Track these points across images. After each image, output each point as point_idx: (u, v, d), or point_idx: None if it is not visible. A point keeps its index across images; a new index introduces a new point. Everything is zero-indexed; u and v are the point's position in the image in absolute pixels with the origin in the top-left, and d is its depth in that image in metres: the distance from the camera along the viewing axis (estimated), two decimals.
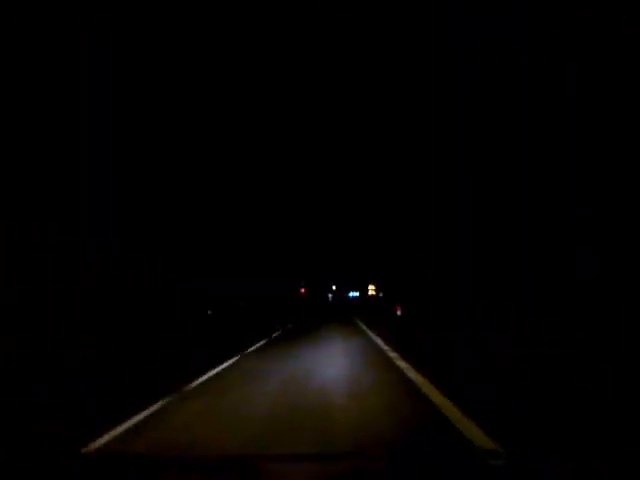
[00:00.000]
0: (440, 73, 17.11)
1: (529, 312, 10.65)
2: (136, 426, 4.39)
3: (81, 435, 4.02)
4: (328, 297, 72.02)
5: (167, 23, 17.57)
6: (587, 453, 3.22)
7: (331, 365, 8.02)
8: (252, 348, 11.30)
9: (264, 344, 12.48)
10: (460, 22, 14.79)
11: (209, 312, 22.54)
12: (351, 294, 71.39)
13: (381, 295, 49.94)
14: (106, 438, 3.99)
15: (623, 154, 9.15)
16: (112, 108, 14.95)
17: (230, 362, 8.75)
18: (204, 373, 7.35)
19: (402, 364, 7.88)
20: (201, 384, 6.59)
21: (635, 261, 8.52)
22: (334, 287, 73.91)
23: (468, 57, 14.52)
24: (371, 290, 47.31)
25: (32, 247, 11.39)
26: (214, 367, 7.96)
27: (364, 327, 18.32)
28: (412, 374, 6.73)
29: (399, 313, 23.29)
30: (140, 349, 12.17)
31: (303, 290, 58.63)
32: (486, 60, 13.17)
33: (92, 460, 2.60)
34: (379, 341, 12.35)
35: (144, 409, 4.95)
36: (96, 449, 3.63)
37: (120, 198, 15.86)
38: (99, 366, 9.17)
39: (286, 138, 32.62)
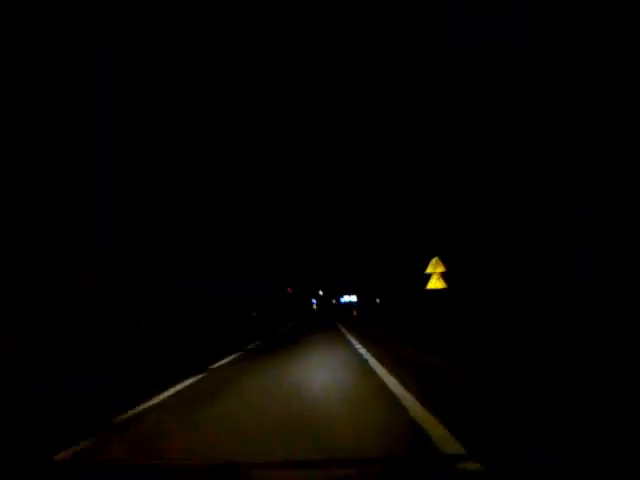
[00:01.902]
0: (440, 73, 17.11)
1: (529, 312, 10.65)
2: None
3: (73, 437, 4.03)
4: (313, 304, 58.85)
5: (167, 23, 17.57)
6: (587, 453, 3.22)
7: None
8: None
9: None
10: (460, 22, 14.81)
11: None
12: (345, 299, 55.59)
13: (378, 301, 40.78)
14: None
15: (623, 154, 9.15)
16: (112, 108, 14.96)
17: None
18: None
19: None
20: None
21: (635, 261, 8.52)
22: (321, 292, 60.64)
23: (468, 57, 14.52)
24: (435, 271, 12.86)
25: (32, 247, 11.39)
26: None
27: None
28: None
29: None
30: (139, 349, 12.18)
31: (289, 290, 51.29)
32: (486, 60, 13.18)
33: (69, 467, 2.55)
34: None
35: None
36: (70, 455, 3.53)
37: (120, 198, 15.87)
38: (99, 366, 9.18)
39: (286, 138, 32.63)
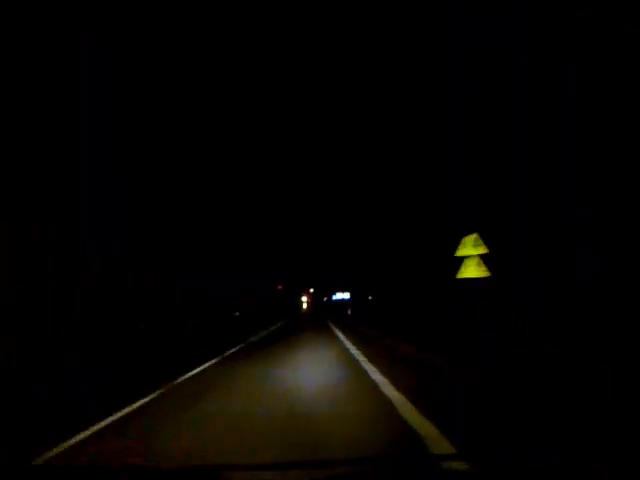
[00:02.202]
0: (440, 73, 17.11)
1: (529, 312, 10.64)
2: None
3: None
4: (302, 302, 54.53)
5: (167, 23, 17.56)
6: (587, 453, 3.22)
7: None
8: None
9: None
10: (460, 22, 14.80)
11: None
12: (337, 297, 51.19)
13: (370, 298, 38.45)
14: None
15: (623, 154, 9.15)
16: (112, 108, 14.95)
17: None
18: None
19: None
20: None
21: (635, 261, 8.52)
22: (312, 289, 56.35)
23: (468, 57, 14.52)
24: (474, 253, 9.53)
25: (32, 247, 11.39)
26: None
27: None
28: None
29: None
30: (140, 349, 12.17)
31: (280, 286, 48.99)
32: (486, 60, 13.17)
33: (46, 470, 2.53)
34: None
35: None
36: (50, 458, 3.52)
37: (120, 198, 15.86)
38: (99, 366, 9.17)
39: (285, 138, 32.64)
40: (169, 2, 17.28)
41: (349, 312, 38.19)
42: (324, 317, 33.85)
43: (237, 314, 31.11)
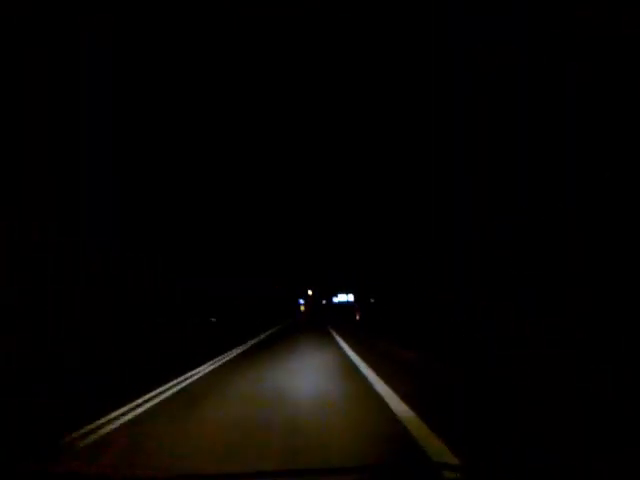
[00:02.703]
0: (440, 73, 17.10)
1: (529, 312, 10.64)
2: None
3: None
4: (300, 305, 51.20)
5: (167, 23, 17.57)
6: (587, 453, 3.21)
7: None
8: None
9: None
10: (460, 22, 14.80)
11: None
12: (339, 299, 46.65)
13: (372, 301, 35.38)
14: None
15: (623, 154, 9.15)
16: (112, 108, 14.96)
17: None
18: None
19: None
20: None
21: (635, 261, 8.52)
22: (310, 291, 52.52)
23: (468, 57, 14.52)
24: None
25: (32, 247, 11.39)
26: None
27: None
28: None
29: None
30: (140, 349, 12.17)
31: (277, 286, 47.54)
32: (486, 60, 13.17)
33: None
34: None
35: None
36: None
37: (120, 198, 15.87)
38: (99, 366, 9.17)
39: (285, 138, 32.67)
40: (169, 2, 17.28)
41: (357, 317, 31.49)
42: (325, 324, 28.01)
43: (214, 320, 25.79)
